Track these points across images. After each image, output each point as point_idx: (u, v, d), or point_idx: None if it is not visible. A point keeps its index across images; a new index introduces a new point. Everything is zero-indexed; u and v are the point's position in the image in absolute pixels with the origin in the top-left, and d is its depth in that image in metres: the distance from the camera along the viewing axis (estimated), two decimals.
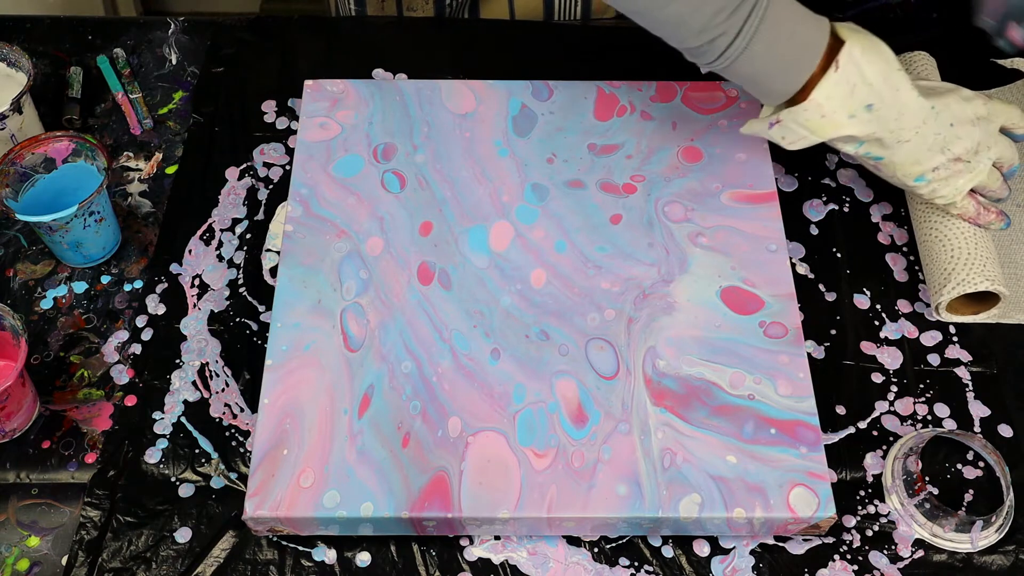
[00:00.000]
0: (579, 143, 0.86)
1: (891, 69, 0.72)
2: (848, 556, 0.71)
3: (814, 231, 0.86)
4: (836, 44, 0.71)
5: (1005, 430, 0.76)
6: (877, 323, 0.81)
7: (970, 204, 0.78)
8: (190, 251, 0.84)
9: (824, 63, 0.71)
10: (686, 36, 0.71)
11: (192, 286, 0.83)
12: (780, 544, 0.71)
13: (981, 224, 0.79)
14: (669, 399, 0.72)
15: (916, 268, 0.84)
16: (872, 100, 0.71)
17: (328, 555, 0.70)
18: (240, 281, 0.83)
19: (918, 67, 0.90)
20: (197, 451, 0.75)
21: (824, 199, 0.87)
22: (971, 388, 0.78)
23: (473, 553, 0.71)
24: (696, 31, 0.70)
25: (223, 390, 0.77)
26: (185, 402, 0.77)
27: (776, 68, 0.71)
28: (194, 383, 0.78)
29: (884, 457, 0.75)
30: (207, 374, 0.78)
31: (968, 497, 0.73)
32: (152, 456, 0.74)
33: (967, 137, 0.75)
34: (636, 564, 0.70)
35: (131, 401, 0.77)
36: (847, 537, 0.71)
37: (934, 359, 0.79)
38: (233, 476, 0.74)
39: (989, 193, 0.78)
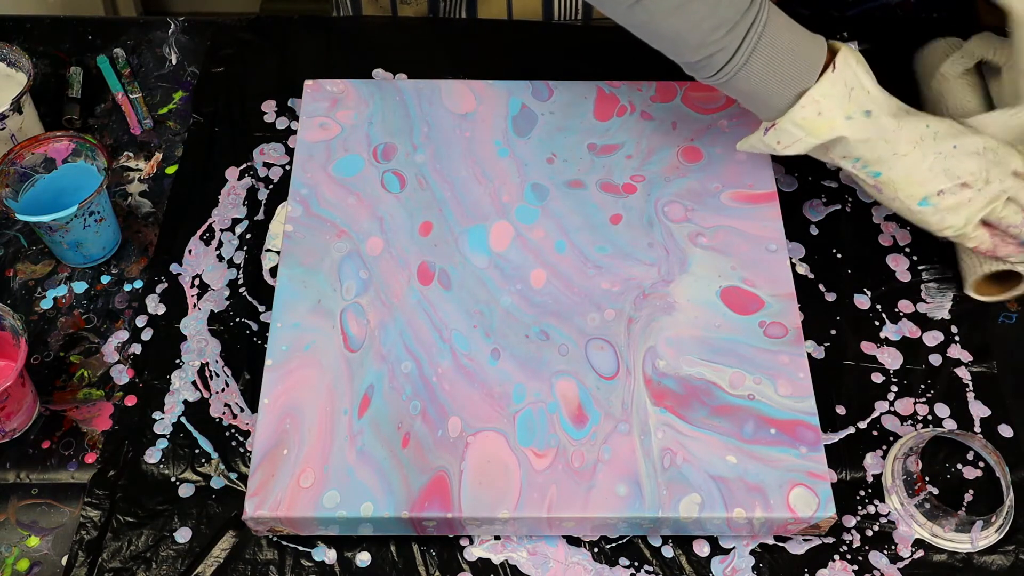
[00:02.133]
0: (579, 143, 0.86)
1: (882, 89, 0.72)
2: (848, 556, 0.71)
3: (814, 231, 0.86)
4: (832, 59, 0.71)
5: (1005, 430, 0.76)
6: (877, 323, 0.81)
7: (985, 235, 0.75)
8: (190, 251, 0.84)
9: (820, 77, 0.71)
10: (683, 51, 0.71)
11: (192, 286, 0.83)
12: (780, 544, 0.71)
13: (1000, 256, 0.76)
14: (669, 399, 0.72)
15: (919, 268, 0.84)
16: (871, 107, 0.71)
17: (328, 555, 0.70)
18: (240, 281, 0.83)
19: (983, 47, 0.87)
20: (197, 451, 0.75)
21: (825, 200, 0.87)
22: (971, 388, 0.78)
23: (473, 553, 0.71)
24: (694, 46, 0.70)
25: (223, 390, 0.77)
26: (185, 402, 0.77)
27: (774, 84, 0.71)
28: (194, 383, 0.78)
29: (884, 457, 0.74)
30: (207, 374, 0.78)
31: (968, 497, 0.73)
32: (152, 456, 0.74)
33: (972, 163, 0.73)
34: (636, 564, 0.70)
35: (131, 401, 0.77)
36: (847, 537, 0.71)
37: (934, 359, 0.79)
38: (233, 476, 0.74)
39: (1012, 229, 0.75)
